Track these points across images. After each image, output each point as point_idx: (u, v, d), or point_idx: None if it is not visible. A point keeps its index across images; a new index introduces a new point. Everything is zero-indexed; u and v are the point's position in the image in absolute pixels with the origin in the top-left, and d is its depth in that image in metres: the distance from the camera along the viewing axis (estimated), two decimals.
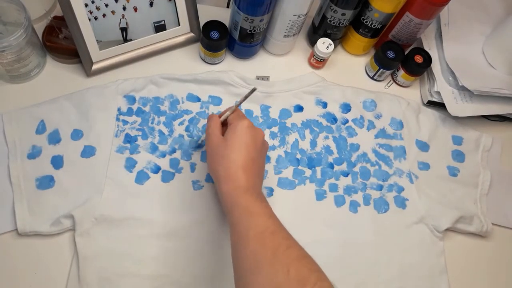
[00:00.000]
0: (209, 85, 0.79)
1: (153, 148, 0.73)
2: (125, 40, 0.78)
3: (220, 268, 0.66)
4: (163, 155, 0.73)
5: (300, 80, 0.82)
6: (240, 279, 0.50)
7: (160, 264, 0.66)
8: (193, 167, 0.73)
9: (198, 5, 0.81)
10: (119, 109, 0.74)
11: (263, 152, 0.63)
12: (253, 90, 0.64)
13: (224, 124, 0.65)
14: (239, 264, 0.51)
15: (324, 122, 0.80)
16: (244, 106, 0.78)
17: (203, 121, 0.76)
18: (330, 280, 0.48)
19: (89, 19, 0.72)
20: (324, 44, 0.82)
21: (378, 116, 0.82)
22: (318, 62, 0.85)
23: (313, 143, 0.78)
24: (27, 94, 0.74)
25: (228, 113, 0.64)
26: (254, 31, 0.77)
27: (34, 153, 0.69)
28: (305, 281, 0.45)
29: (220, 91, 0.79)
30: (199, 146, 0.74)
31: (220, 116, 0.65)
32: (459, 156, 0.82)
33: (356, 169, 0.77)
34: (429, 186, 0.78)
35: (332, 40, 0.83)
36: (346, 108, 0.82)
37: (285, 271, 0.46)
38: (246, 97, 0.65)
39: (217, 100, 0.78)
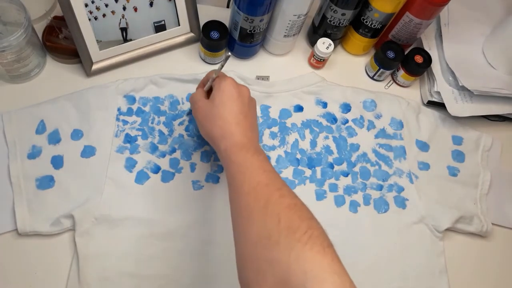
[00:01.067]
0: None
1: (153, 148, 0.73)
2: (125, 40, 0.77)
3: (220, 268, 0.66)
4: (163, 155, 0.73)
5: (300, 80, 0.82)
6: (236, 229, 0.51)
7: (160, 264, 0.66)
8: (193, 167, 0.73)
9: (198, 5, 0.81)
10: (119, 109, 0.74)
11: (252, 106, 0.62)
12: (228, 56, 0.62)
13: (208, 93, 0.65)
14: (235, 217, 0.52)
15: (324, 122, 0.80)
16: None
17: None
18: (322, 227, 0.48)
19: (89, 19, 0.72)
20: (324, 44, 0.82)
21: (378, 116, 0.82)
22: (318, 62, 0.85)
23: (313, 143, 0.78)
24: (27, 94, 0.74)
25: (210, 80, 0.64)
26: (254, 31, 0.77)
27: (34, 153, 0.69)
28: (295, 228, 0.45)
29: None
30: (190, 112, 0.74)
31: (203, 86, 0.65)
32: (459, 156, 0.82)
33: (356, 169, 0.77)
34: (429, 186, 0.78)
35: (332, 40, 0.83)
36: (346, 108, 0.82)
37: (275, 220, 0.46)
38: (222, 65, 0.63)
39: None
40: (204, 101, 0.61)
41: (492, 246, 0.77)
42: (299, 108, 0.80)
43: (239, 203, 0.51)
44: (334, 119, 0.80)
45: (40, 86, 0.76)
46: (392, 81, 0.89)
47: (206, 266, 0.66)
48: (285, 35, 0.81)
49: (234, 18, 0.76)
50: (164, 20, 0.79)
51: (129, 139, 0.72)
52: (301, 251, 0.43)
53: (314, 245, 0.44)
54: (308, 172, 0.75)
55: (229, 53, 0.61)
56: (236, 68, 0.81)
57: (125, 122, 0.74)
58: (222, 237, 0.68)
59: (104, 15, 0.73)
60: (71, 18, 0.70)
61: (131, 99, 0.75)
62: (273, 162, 0.75)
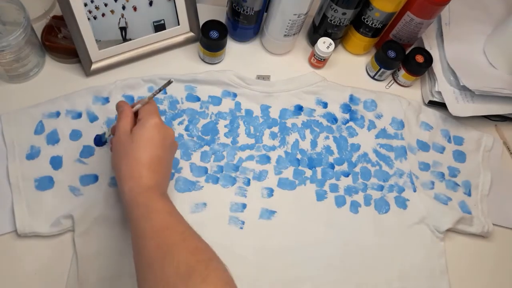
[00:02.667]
0: (209, 85, 0.78)
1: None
2: (124, 39, 0.77)
3: None
4: None
5: (300, 80, 0.81)
6: (138, 274, 0.50)
7: None
8: (193, 167, 0.72)
9: (197, 5, 0.81)
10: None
11: (171, 152, 0.60)
12: (169, 82, 0.61)
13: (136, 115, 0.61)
14: (137, 262, 0.51)
15: (325, 122, 0.80)
16: (245, 106, 0.78)
17: (202, 121, 0.76)
18: (221, 266, 0.48)
19: (88, 19, 0.71)
20: (324, 44, 0.82)
21: (379, 116, 0.81)
22: (318, 61, 0.85)
23: (314, 143, 0.78)
24: (26, 94, 0.74)
25: (139, 105, 0.60)
26: (239, 9, 0.77)
27: (32, 154, 0.69)
28: (191, 272, 0.45)
29: (219, 91, 0.79)
30: (105, 141, 0.68)
31: (132, 107, 0.61)
32: (460, 156, 0.81)
33: (357, 169, 0.77)
34: (430, 186, 0.77)
35: (332, 39, 0.82)
36: (347, 108, 0.81)
37: (174, 267, 0.46)
38: (160, 89, 0.62)
39: (216, 100, 0.78)
40: (126, 135, 0.57)
41: (493, 247, 0.76)
42: (300, 108, 0.80)
43: (141, 250, 0.50)
44: (334, 119, 0.80)
45: (39, 86, 0.76)
46: (393, 81, 0.89)
47: None
48: (285, 35, 0.81)
49: None
50: (163, 20, 0.79)
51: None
52: None
53: (208, 284, 0.44)
54: (308, 173, 0.75)
55: (172, 80, 0.61)
56: (236, 68, 0.81)
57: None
58: (221, 236, 0.68)
59: (103, 15, 0.73)
60: (70, 18, 0.70)
61: (130, 99, 0.75)
62: (273, 163, 0.75)
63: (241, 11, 0.78)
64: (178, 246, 0.49)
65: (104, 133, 0.65)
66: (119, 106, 0.61)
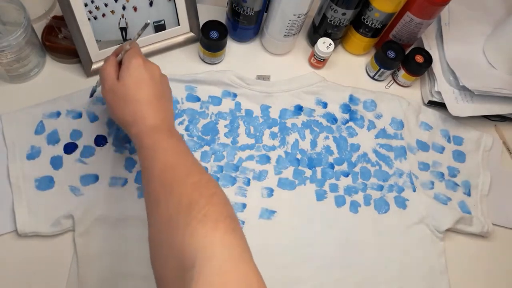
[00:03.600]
0: (209, 85, 0.79)
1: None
2: (125, 39, 0.77)
3: None
4: None
5: (300, 80, 0.81)
6: (147, 216, 0.51)
7: None
8: None
9: (198, 5, 0.81)
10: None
11: (164, 85, 0.60)
12: (147, 24, 0.61)
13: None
14: (146, 204, 0.51)
15: (324, 122, 0.80)
16: (245, 106, 0.78)
17: (203, 121, 0.76)
18: (224, 200, 0.48)
19: (89, 19, 0.71)
20: (324, 44, 0.82)
21: (379, 116, 0.82)
22: (318, 62, 0.85)
23: (314, 143, 0.78)
24: (27, 94, 0.74)
25: (122, 52, 0.60)
26: (239, 9, 0.77)
27: (33, 154, 0.69)
28: (193, 206, 0.45)
29: (219, 91, 0.79)
30: (93, 91, 0.70)
31: (116, 55, 0.61)
32: (459, 156, 0.82)
33: (357, 169, 0.77)
34: (429, 186, 0.78)
35: (332, 39, 0.82)
36: (346, 108, 0.81)
37: (177, 201, 0.46)
38: (139, 34, 0.61)
39: (216, 100, 0.78)
40: (114, 81, 0.57)
41: (493, 247, 0.76)
42: (299, 108, 0.80)
43: (148, 189, 0.51)
44: (334, 119, 0.80)
45: (39, 86, 0.76)
46: (392, 81, 0.89)
47: None
48: (285, 35, 0.81)
49: None
50: (163, 20, 0.79)
51: (128, 139, 0.72)
52: (195, 229, 0.43)
53: (207, 221, 0.43)
54: (308, 173, 0.75)
55: (148, 21, 0.60)
56: (236, 68, 0.81)
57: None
58: None
59: (103, 15, 0.73)
60: (71, 18, 0.70)
61: None
62: (273, 162, 0.75)
63: (241, 12, 0.78)
64: (182, 182, 0.48)
65: (96, 85, 0.65)
66: (105, 59, 0.61)
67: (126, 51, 0.60)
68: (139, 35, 0.61)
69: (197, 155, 0.73)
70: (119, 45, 0.62)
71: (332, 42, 0.82)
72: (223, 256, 0.41)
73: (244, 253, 0.43)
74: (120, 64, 0.60)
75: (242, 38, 0.86)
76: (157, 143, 0.53)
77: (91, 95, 0.68)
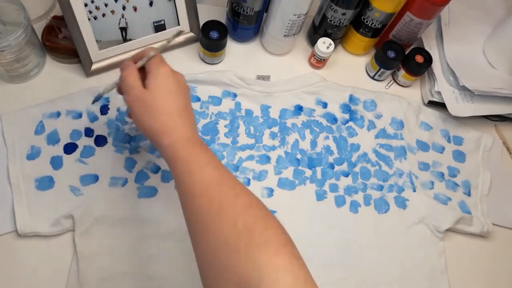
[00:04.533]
0: (209, 85, 0.79)
1: (153, 148, 0.73)
2: (125, 39, 0.77)
3: None
4: None
5: (300, 80, 0.81)
6: (193, 236, 0.49)
7: (160, 264, 0.65)
8: None
9: (197, 5, 0.81)
10: (118, 110, 0.74)
11: (189, 96, 0.58)
12: (180, 32, 0.58)
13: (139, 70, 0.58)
14: (190, 223, 0.50)
15: (324, 122, 0.80)
16: (245, 106, 0.78)
17: (203, 121, 0.76)
18: (277, 223, 0.47)
19: (89, 19, 0.71)
20: (324, 44, 0.82)
21: (379, 116, 0.82)
22: (318, 62, 0.85)
23: (313, 143, 0.78)
24: (27, 94, 0.74)
25: (143, 61, 0.57)
26: (239, 9, 0.77)
27: (33, 154, 0.69)
28: (251, 230, 0.44)
29: (219, 91, 0.79)
30: (98, 97, 0.63)
31: (135, 62, 0.58)
32: (459, 156, 0.82)
33: (357, 169, 0.77)
34: (429, 186, 0.78)
35: (332, 40, 0.82)
36: (346, 108, 0.81)
37: (231, 223, 0.45)
38: (169, 41, 0.59)
39: (216, 100, 0.78)
40: (140, 89, 0.54)
41: (493, 247, 0.76)
42: (299, 108, 0.80)
43: (192, 207, 0.49)
44: (334, 119, 0.80)
45: (39, 86, 0.76)
46: (392, 81, 0.89)
47: None
48: (285, 35, 0.81)
49: None
50: (163, 20, 0.79)
51: (128, 139, 0.72)
52: (258, 254, 0.43)
53: (269, 247, 0.44)
54: (308, 172, 0.75)
55: (182, 29, 0.58)
56: (236, 68, 0.81)
57: (124, 122, 0.73)
58: None
59: (103, 15, 0.73)
60: (71, 18, 0.70)
61: None
62: (273, 162, 0.75)
63: (241, 12, 0.78)
64: (232, 203, 0.47)
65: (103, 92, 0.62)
66: (122, 66, 0.57)
67: (150, 58, 0.57)
68: (169, 42, 0.59)
69: None
70: (139, 51, 0.59)
71: (332, 42, 0.82)
72: (289, 281, 0.42)
73: (308, 279, 0.43)
74: (140, 70, 0.57)
75: (242, 38, 0.86)
76: (193, 156, 0.51)
77: (94, 102, 0.63)
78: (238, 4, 0.77)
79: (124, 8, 0.74)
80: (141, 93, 0.54)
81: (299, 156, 0.76)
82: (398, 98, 0.83)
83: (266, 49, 0.87)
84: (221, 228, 0.46)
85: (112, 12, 0.73)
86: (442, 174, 0.79)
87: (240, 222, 0.45)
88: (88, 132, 0.72)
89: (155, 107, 0.53)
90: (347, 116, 0.81)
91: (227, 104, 0.78)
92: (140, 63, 0.57)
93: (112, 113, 0.74)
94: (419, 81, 0.90)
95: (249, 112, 0.78)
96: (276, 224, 0.47)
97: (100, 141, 0.72)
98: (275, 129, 0.78)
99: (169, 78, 0.55)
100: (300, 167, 0.75)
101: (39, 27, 0.78)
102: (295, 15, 0.76)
